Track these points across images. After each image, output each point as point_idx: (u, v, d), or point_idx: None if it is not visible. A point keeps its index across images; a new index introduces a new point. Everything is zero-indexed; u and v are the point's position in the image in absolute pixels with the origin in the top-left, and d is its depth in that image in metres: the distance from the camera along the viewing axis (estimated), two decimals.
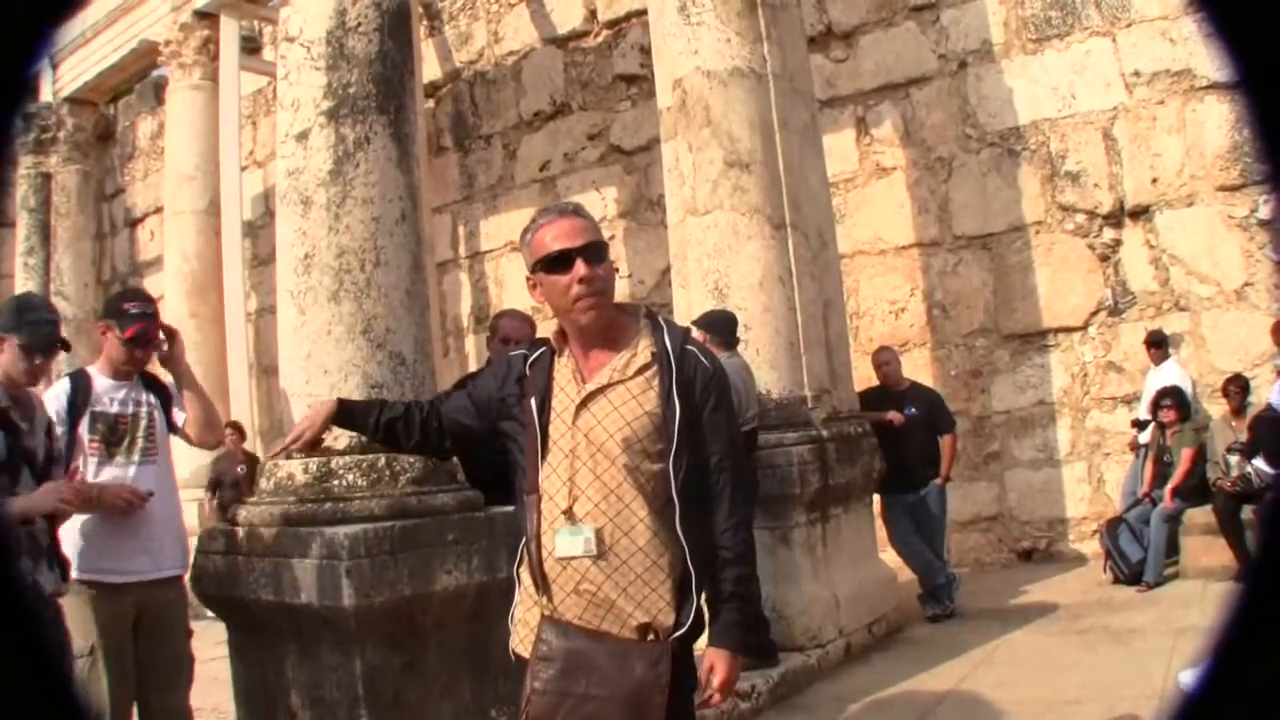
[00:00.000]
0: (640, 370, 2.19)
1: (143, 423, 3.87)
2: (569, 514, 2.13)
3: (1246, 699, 0.85)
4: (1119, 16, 7.92)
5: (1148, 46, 7.80)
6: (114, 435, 3.80)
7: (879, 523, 6.84)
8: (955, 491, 7.40)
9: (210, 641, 7.38)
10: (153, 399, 3.95)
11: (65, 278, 12.88)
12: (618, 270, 10.27)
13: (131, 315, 3.82)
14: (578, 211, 2.26)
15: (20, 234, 13.18)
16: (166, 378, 4.10)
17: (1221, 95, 7.39)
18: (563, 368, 2.25)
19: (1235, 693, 0.86)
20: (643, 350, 2.21)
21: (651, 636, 2.11)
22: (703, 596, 2.19)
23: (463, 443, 2.60)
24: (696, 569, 2.14)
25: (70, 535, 3.61)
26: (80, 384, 3.84)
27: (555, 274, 2.17)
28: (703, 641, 2.26)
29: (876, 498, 6.80)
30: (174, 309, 11.18)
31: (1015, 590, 7.19)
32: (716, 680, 2.20)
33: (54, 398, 3.76)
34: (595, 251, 2.17)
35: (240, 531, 4.29)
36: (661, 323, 2.30)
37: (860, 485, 6.40)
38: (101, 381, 3.86)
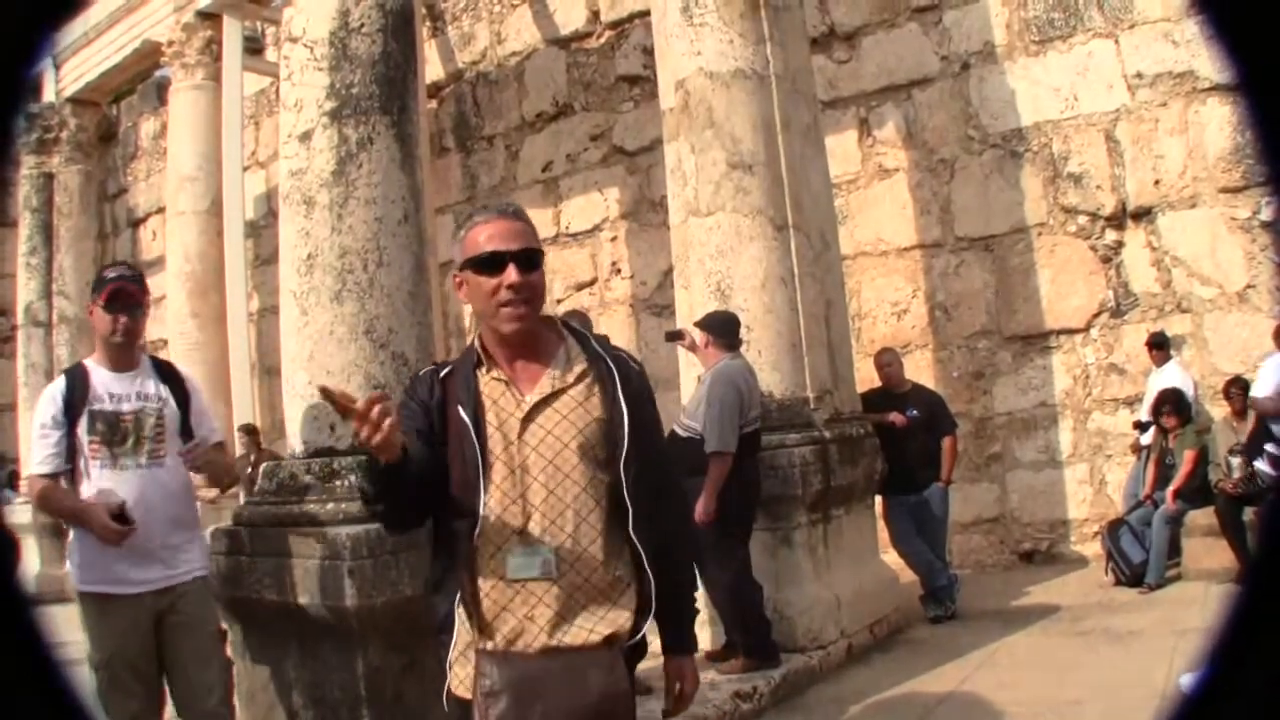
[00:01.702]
0: (580, 377, 2.11)
1: (149, 420, 3.55)
2: (522, 534, 1.99)
3: (1246, 699, 0.85)
4: (1121, 18, 7.92)
5: (1150, 48, 7.80)
6: (115, 435, 3.49)
7: (881, 524, 6.84)
8: (957, 493, 7.39)
9: None
10: (164, 392, 3.63)
11: (67, 278, 12.88)
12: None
13: (107, 279, 3.58)
14: (518, 214, 2.15)
15: (23, 234, 13.20)
16: (185, 370, 3.92)
17: (1224, 97, 7.39)
18: (492, 381, 2.10)
19: (1235, 693, 0.86)
20: (576, 357, 2.14)
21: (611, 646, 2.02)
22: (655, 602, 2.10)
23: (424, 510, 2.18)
24: (654, 573, 2.07)
25: (78, 543, 3.48)
26: (76, 379, 3.55)
27: (484, 275, 2.05)
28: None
29: (878, 499, 6.80)
30: (176, 309, 11.21)
31: (1017, 592, 7.19)
32: (687, 686, 2.19)
33: (49, 399, 3.53)
34: (529, 258, 2.05)
35: (243, 531, 4.30)
36: (582, 330, 2.23)
37: (862, 486, 6.40)
38: (100, 374, 3.57)
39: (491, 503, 2.01)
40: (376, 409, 1.82)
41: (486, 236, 2.06)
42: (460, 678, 2.05)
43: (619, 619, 2.03)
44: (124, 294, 3.53)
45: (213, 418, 3.91)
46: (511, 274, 2.02)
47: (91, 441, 3.47)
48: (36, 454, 3.49)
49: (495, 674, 1.95)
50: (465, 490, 2.02)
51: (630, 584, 2.06)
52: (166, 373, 3.72)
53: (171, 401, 3.63)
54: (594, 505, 2.03)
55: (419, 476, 1.98)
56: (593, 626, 2.00)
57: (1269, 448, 6.49)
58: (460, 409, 2.05)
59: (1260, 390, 6.62)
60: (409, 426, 2.04)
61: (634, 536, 2.04)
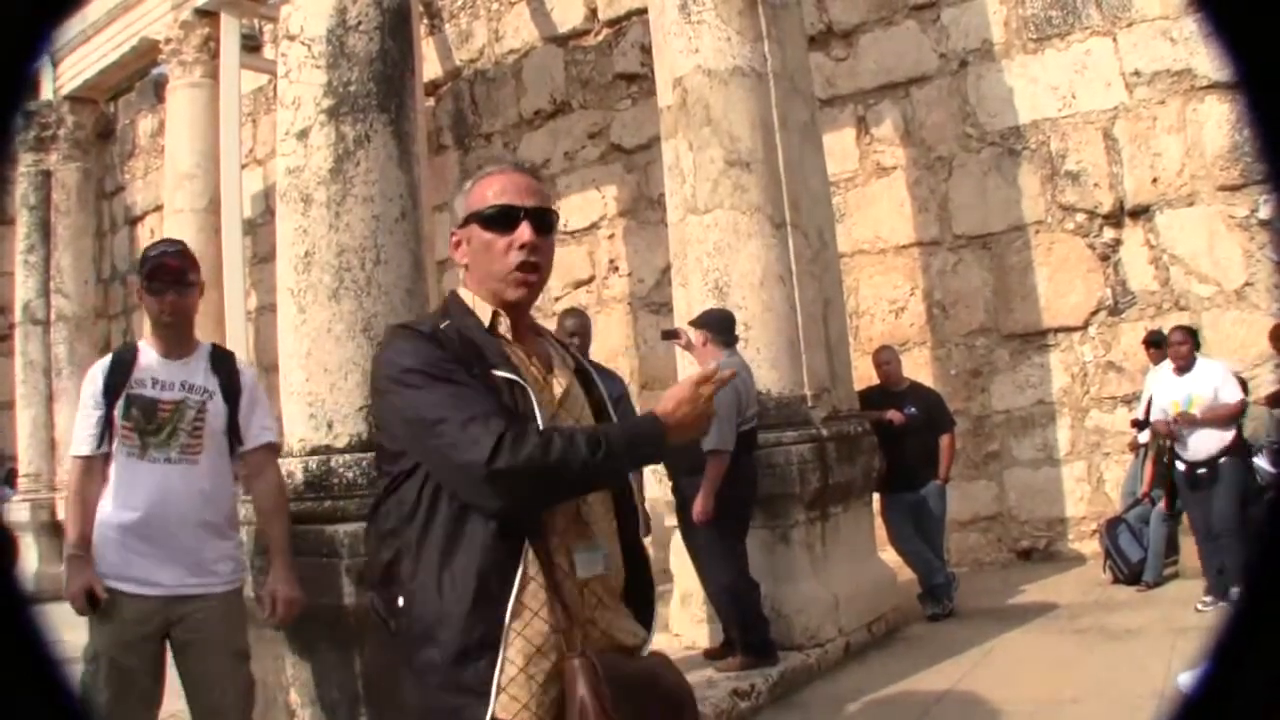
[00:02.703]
0: (574, 375, 1.93)
1: (190, 413, 3.30)
2: (584, 528, 1.78)
3: (1245, 699, 0.85)
4: (1119, 16, 7.92)
5: (1148, 46, 7.80)
6: (150, 423, 3.26)
7: (879, 522, 6.85)
8: (954, 491, 7.40)
9: None
10: (213, 385, 3.36)
11: (65, 275, 12.86)
12: (620, 269, 10.30)
13: (149, 256, 3.32)
14: (534, 171, 1.93)
15: (20, 231, 13.17)
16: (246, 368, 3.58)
17: (1222, 95, 7.39)
18: (517, 353, 1.84)
19: (1234, 693, 0.86)
20: (560, 350, 1.96)
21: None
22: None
23: None
24: (653, 580, 1.97)
25: (99, 530, 3.27)
26: (124, 359, 3.34)
27: (493, 232, 1.80)
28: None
29: (876, 497, 6.80)
30: None
31: (1014, 590, 7.19)
32: None
33: (90, 378, 3.33)
34: (546, 219, 1.82)
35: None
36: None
37: (860, 484, 6.41)
38: (149, 356, 3.34)
39: None
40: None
41: (498, 189, 1.82)
42: (522, 699, 1.68)
43: (636, 625, 1.89)
44: (165, 270, 3.27)
45: (269, 415, 3.56)
46: (525, 232, 1.78)
47: (125, 426, 3.25)
48: (77, 434, 3.32)
49: (587, 679, 1.67)
50: None
51: (640, 591, 1.93)
52: (222, 364, 3.43)
53: (219, 396, 3.36)
54: (611, 505, 1.88)
55: None
56: (630, 629, 1.85)
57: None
58: (501, 371, 1.76)
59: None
60: (476, 389, 1.72)
61: (645, 541, 1.92)
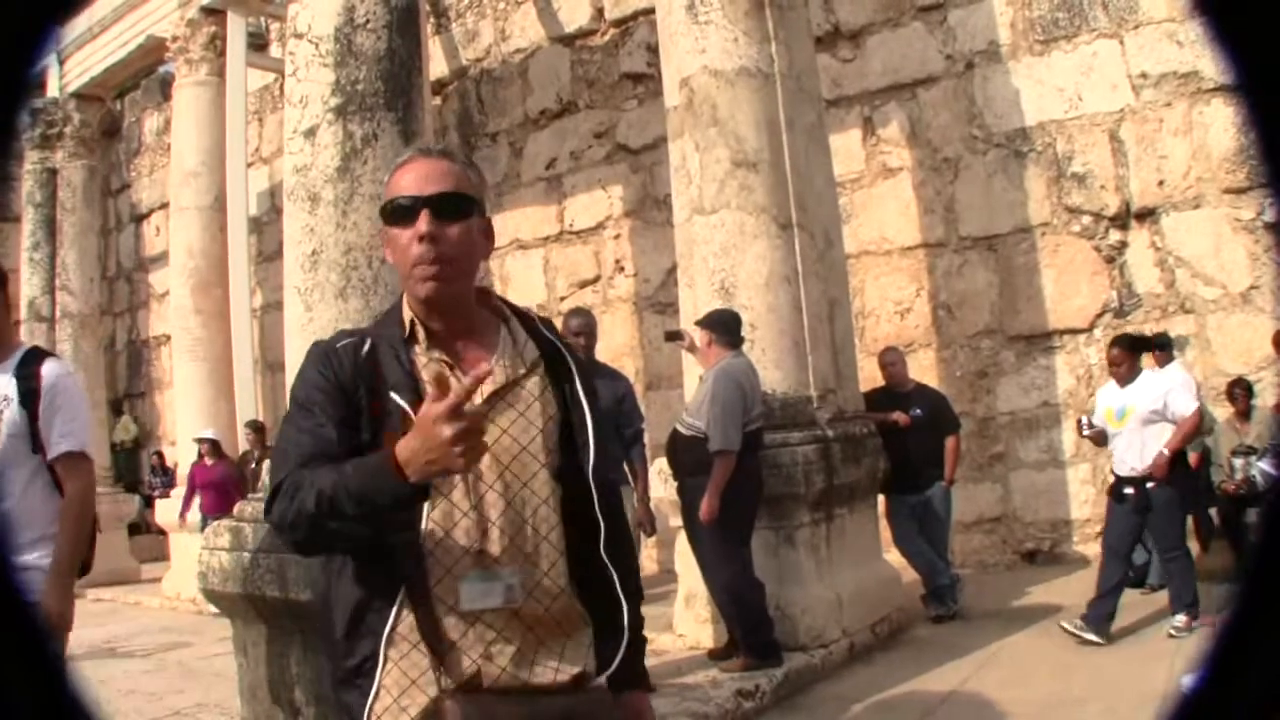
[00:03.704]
0: (534, 366, 1.75)
1: None
2: (479, 555, 1.62)
3: (1246, 699, 0.85)
4: (1126, 18, 7.91)
5: (1155, 48, 7.79)
6: None
7: (883, 523, 6.85)
8: (959, 492, 7.39)
9: (212, 638, 7.42)
10: (12, 390, 3.07)
11: (70, 273, 12.91)
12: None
13: None
14: (445, 153, 1.75)
15: (26, 229, 13.22)
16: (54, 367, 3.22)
17: (1228, 98, 7.38)
18: (432, 362, 1.69)
19: (1234, 693, 0.86)
20: (526, 343, 1.77)
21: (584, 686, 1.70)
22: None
23: None
24: (627, 598, 1.75)
25: None
26: None
27: (396, 227, 1.69)
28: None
29: (881, 498, 6.80)
30: (179, 305, 11.23)
31: (1019, 591, 7.19)
32: None
33: None
34: (449, 205, 1.66)
35: (246, 528, 4.30)
36: (525, 311, 1.85)
37: (865, 485, 6.40)
38: None
39: (437, 515, 1.63)
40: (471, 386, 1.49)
41: (399, 183, 1.70)
42: None
43: (583, 657, 1.70)
44: None
45: (74, 421, 3.17)
46: (421, 223, 1.64)
47: None
48: None
49: (472, 717, 1.60)
50: None
51: (594, 616, 1.73)
52: (26, 367, 3.13)
53: (16, 402, 3.06)
54: (556, 521, 1.68)
55: None
56: (558, 665, 1.67)
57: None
58: (395, 395, 1.64)
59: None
60: (329, 414, 1.66)
61: (606, 557, 1.72)
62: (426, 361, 1.69)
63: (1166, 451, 5.76)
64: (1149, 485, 5.80)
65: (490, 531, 1.63)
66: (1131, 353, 6.03)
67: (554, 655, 1.67)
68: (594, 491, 1.71)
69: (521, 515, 1.65)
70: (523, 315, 1.82)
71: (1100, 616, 5.75)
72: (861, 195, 9.05)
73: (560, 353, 1.78)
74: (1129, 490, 5.88)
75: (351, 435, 1.64)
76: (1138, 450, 5.86)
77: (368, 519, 1.54)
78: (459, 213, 1.67)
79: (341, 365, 1.69)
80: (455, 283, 1.69)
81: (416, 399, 1.60)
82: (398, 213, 1.68)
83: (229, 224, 10.78)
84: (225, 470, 9.95)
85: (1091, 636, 5.69)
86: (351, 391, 1.66)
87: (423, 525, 1.61)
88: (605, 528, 1.71)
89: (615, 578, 1.72)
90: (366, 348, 1.70)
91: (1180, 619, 5.74)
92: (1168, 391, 5.88)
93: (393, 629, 1.61)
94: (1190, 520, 6.55)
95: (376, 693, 1.61)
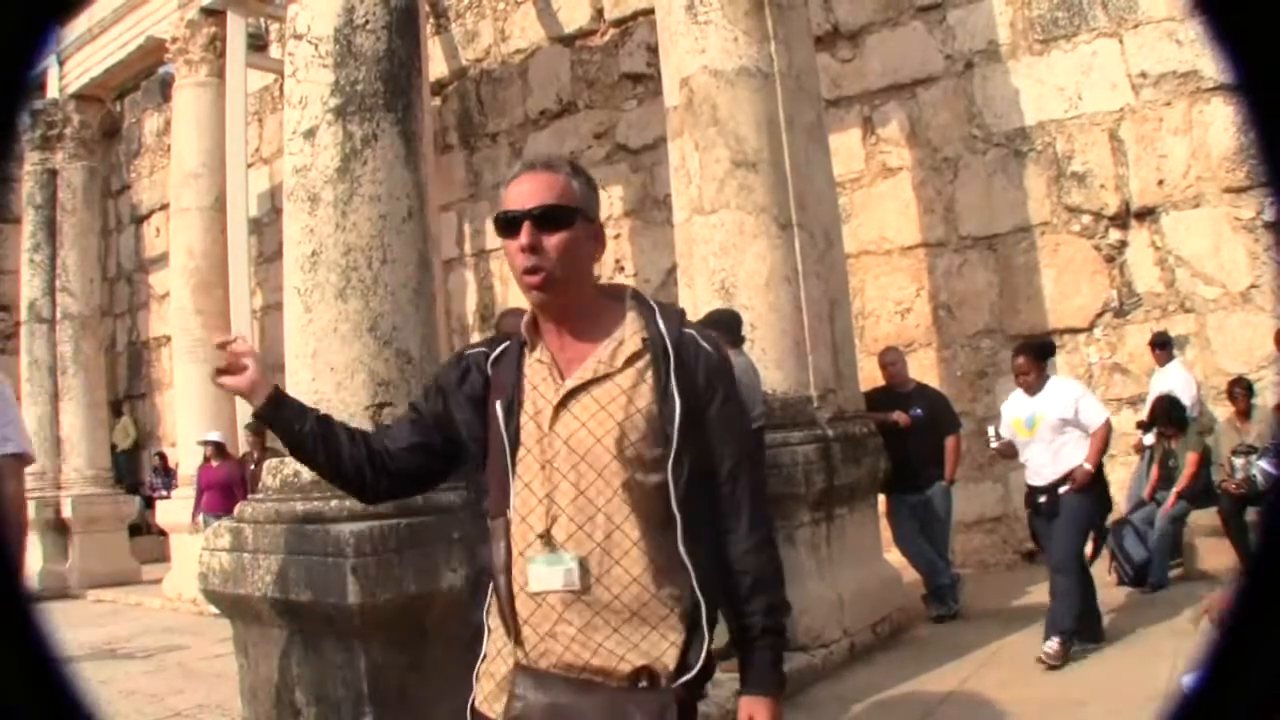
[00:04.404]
0: (630, 360, 1.81)
1: None
2: (546, 538, 1.74)
3: (1246, 699, 0.85)
4: (1126, 17, 7.92)
5: (1154, 48, 7.80)
6: None
7: (884, 523, 6.85)
8: (960, 492, 7.38)
9: (213, 639, 7.42)
10: None
11: (71, 274, 12.90)
12: (632, 258, 10.31)
13: None
14: (549, 165, 1.86)
15: (26, 230, 13.21)
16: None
17: (1228, 97, 7.38)
18: (535, 363, 1.85)
19: (1235, 693, 0.86)
20: (631, 337, 1.83)
21: (645, 683, 1.73)
22: (714, 631, 1.80)
23: (422, 482, 2.10)
24: (706, 599, 1.76)
25: None
26: None
27: (507, 239, 1.82)
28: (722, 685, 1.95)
29: (881, 498, 6.80)
30: (179, 306, 11.22)
31: (1019, 591, 7.19)
32: None
33: None
34: (549, 217, 1.78)
35: (246, 529, 4.30)
36: (652, 304, 1.91)
37: (865, 485, 6.40)
38: None
39: (517, 502, 1.78)
40: (236, 343, 1.99)
41: (509, 196, 1.84)
42: (485, 691, 1.81)
43: (656, 649, 1.74)
44: None
45: (9, 424, 3.16)
46: (523, 235, 1.78)
47: None
48: None
49: (529, 695, 1.72)
50: (499, 486, 1.81)
51: (671, 610, 1.75)
52: None
53: None
54: (629, 511, 1.74)
55: (350, 444, 1.94)
56: (624, 653, 1.72)
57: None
58: (497, 393, 1.85)
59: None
60: (420, 409, 2.00)
61: (683, 553, 1.75)
62: (532, 362, 1.86)
63: (1089, 466, 5.58)
64: (1061, 490, 5.60)
65: (559, 517, 1.75)
66: (1039, 361, 5.85)
67: (625, 644, 1.72)
68: (670, 484, 1.75)
69: (594, 504, 1.75)
70: (648, 308, 1.89)
71: (1086, 628, 5.61)
72: (861, 195, 9.06)
73: (663, 343, 1.83)
74: (1043, 499, 5.70)
75: (432, 430, 1.96)
76: (1050, 458, 5.68)
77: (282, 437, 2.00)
78: (560, 223, 1.79)
79: (468, 369, 1.94)
80: (557, 287, 1.81)
81: (515, 399, 1.83)
82: (505, 225, 1.82)
83: (229, 225, 10.78)
84: (230, 471, 9.95)
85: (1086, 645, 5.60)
86: (451, 393, 1.94)
87: (511, 508, 1.79)
88: (683, 521, 1.75)
89: (692, 574, 1.76)
90: (495, 354, 1.92)
91: (1053, 644, 5.34)
92: (1078, 399, 5.69)
93: (490, 602, 1.83)
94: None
95: (483, 656, 1.84)
